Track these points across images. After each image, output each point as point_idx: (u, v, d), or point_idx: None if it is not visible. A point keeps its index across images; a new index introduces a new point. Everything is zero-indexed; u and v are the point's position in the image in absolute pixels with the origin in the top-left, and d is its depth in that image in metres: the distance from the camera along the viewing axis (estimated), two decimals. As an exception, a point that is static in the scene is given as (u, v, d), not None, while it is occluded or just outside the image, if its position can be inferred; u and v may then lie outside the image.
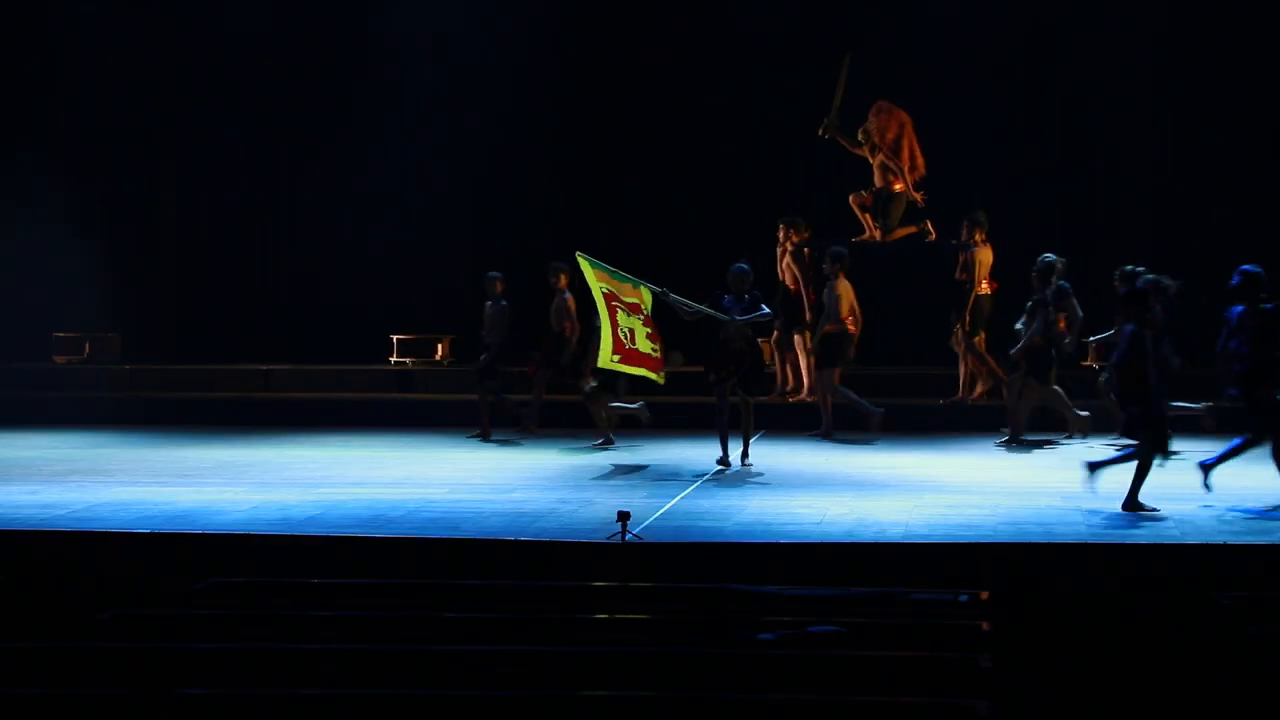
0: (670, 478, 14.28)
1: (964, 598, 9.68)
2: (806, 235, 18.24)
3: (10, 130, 21.21)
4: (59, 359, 20.30)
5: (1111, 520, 12.05)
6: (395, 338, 20.13)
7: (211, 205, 21.88)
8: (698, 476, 14.39)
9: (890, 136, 19.07)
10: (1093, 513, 12.28)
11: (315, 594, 10.07)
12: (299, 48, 21.66)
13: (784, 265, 18.19)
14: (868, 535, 11.43)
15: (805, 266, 17.97)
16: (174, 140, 22.00)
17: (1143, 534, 11.57)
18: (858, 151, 19.19)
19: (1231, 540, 11.22)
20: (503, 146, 21.54)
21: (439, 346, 20.59)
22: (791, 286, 18.01)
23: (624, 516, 11.16)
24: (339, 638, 8.72)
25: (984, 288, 17.78)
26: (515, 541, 11.28)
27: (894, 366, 18.81)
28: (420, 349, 20.39)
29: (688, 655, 8.27)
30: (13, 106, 21.33)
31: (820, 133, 19.06)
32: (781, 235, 18.18)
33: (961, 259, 17.88)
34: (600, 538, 11.26)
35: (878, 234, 19.30)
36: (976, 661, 8.05)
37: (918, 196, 19.09)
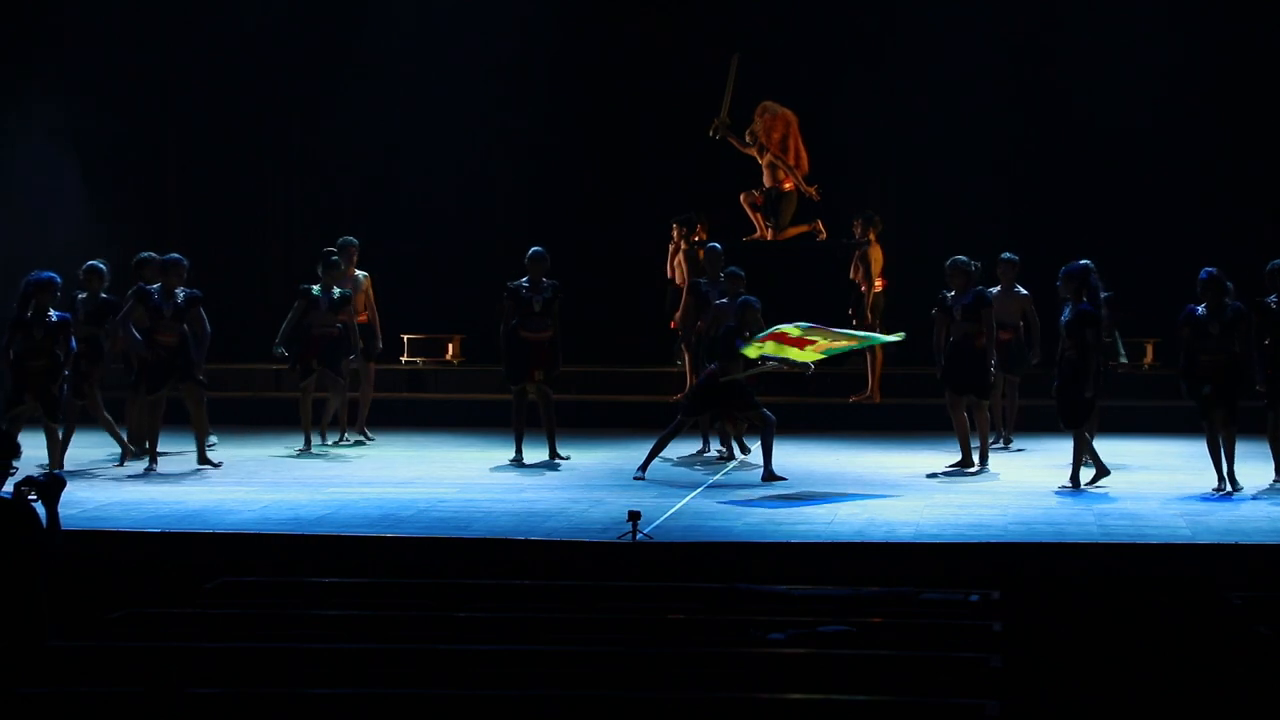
0: (680, 478, 14.27)
1: (975, 597, 9.67)
2: (702, 235, 18.39)
3: (16, 134, 21.22)
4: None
5: (1122, 520, 12.03)
6: (405, 337, 20.13)
7: (219, 204, 21.88)
8: (708, 476, 14.38)
9: (776, 136, 19.21)
10: (1103, 513, 12.27)
11: (325, 593, 10.07)
12: (303, 45, 21.64)
13: (674, 264, 18.31)
14: (878, 535, 11.42)
15: (696, 266, 18.05)
16: (179, 141, 22.01)
17: (1154, 533, 11.55)
18: (748, 151, 19.31)
19: (1243, 540, 11.20)
20: (510, 144, 21.59)
21: (450, 346, 20.57)
22: (680, 285, 18.06)
23: (634, 516, 11.15)
24: (349, 637, 8.72)
25: (878, 286, 18.09)
26: (526, 541, 11.28)
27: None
28: (431, 348, 20.39)
29: (698, 655, 8.26)
30: (19, 105, 21.33)
31: (710, 133, 19.18)
32: (676, 235, 18.29)
33: (856, 257, 18.09)
34: (611, 537, 11.26)
35: (769, 233, 19.38)
36: (987, 661, 8.05)
37: (811, 191, 19.18)
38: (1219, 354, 12.92)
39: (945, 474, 14.26)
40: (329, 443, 16.45)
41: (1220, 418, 12.97)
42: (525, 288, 14.96)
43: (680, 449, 15.28)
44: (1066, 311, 13.40)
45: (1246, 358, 13.03)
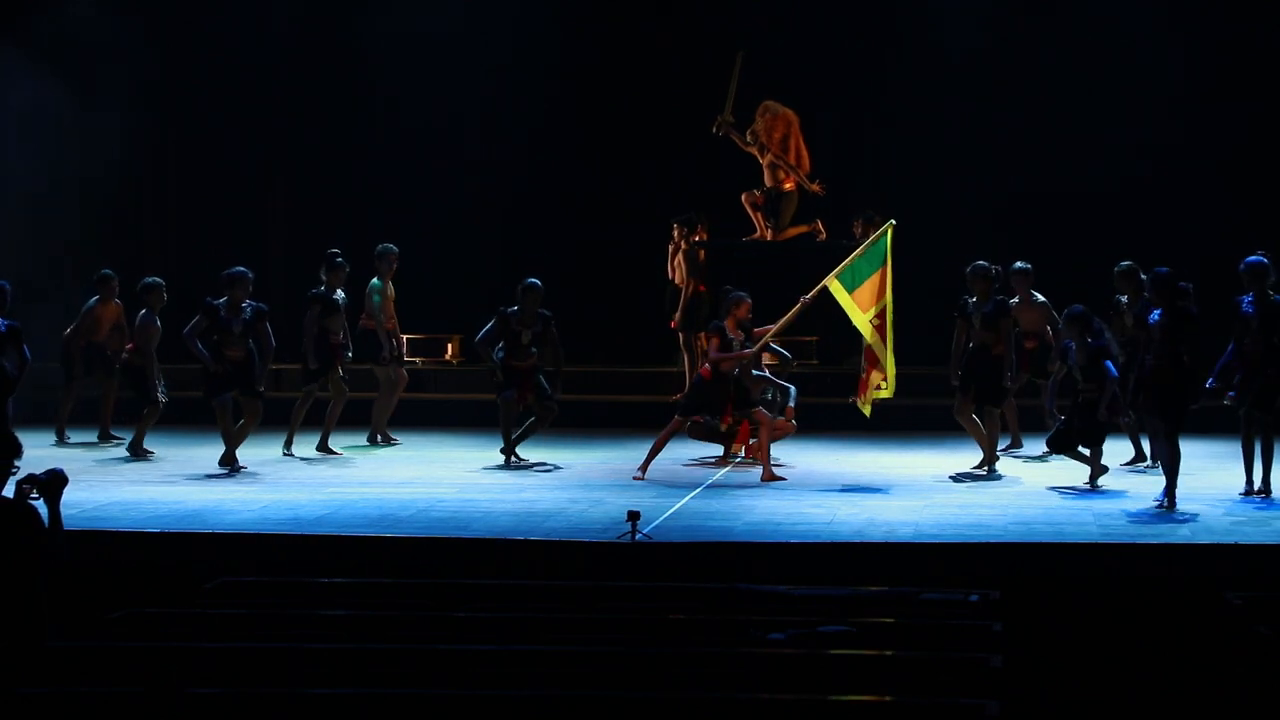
0: (680, 478, 14.26)
1: (974, 598, 9.67)
2: (702, 235, 18.35)
3: (18, 128, 21.21)
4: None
5: (1122, 520, 12.03)
6: (404, 337, 20.10)
7: (218, 205, 21.87)
8: (708, 476, 14.38)
9: (778, 136, 19.19)
10: (1103, 513, 12.27)
11: (324, 593, 10.08)
12: (303, 45, 21.65)
13: (674, 264, 18.29)
14: (878, 535, 11.42)
15: (696, 266, 18.02)
16: (179, 142, 22.01)
17: (1153, 534, 11.55)
18: (749, 150, 19.31)
19: (1242, 540, 11.20)
20: (510, 145, 21.59)
21: (449, 346, 20.57)
22: (680, 285, 18.03)
23: (634, 516, 11.15)
24: (348, 637, 8.73)
25: None
26: (525, 541, 11.28)
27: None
28: (430, 348, 20.38)
29: (698, 655, 8.26)
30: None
31: (714, 130, 19.18)
32: (676, 235, 18.27)
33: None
34: (610, 537, 11.26)
35: (769, 233, 19.38)
36: (987, 661, 8.05)
37: (815, 188, 19.15)
38: (1161, 359, 12.42)
39: (973, 476, 14.24)
40: (378, 442, 16.82)
41: (1153, 427, 12.75)
42: (515, 318, 14.90)
43: (681, 449, 15.29)
44: (1073, 354, 13.31)
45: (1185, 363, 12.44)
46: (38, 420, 16.81)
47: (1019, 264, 15.38)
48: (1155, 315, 12.50)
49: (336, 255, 16.13)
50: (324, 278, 16.03)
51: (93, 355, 17.00)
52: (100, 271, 17.19)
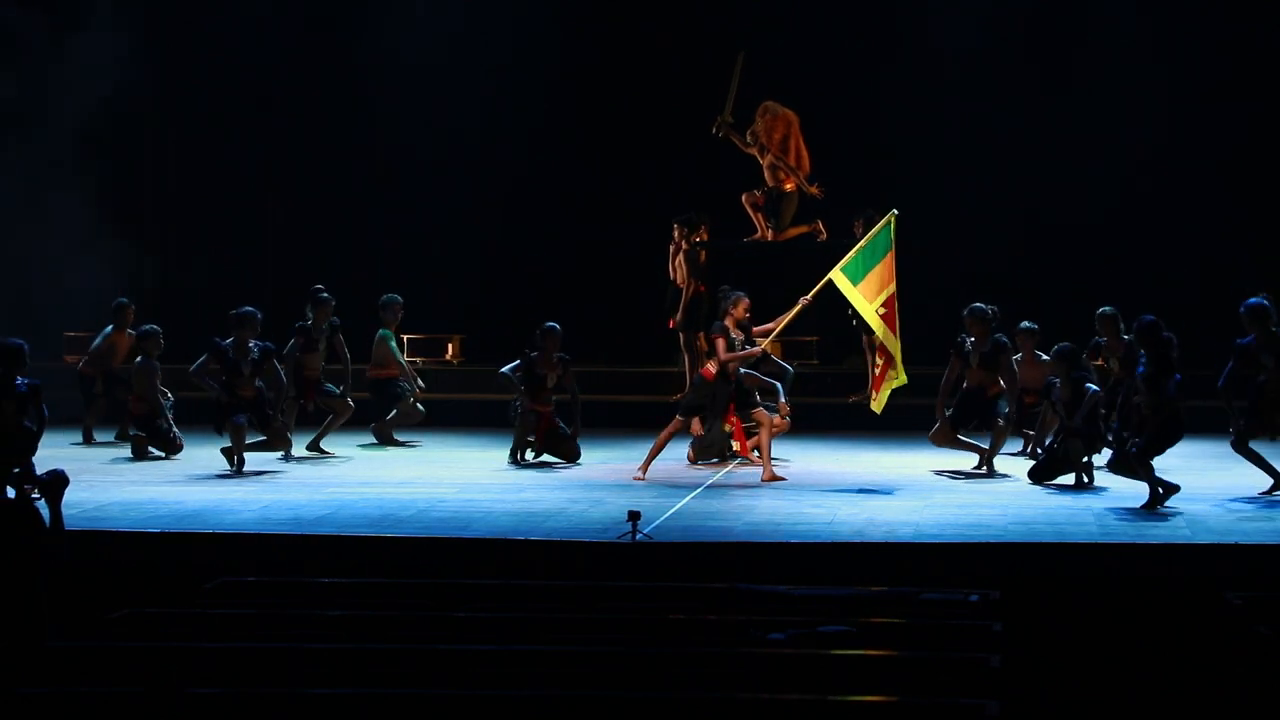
0: (680, 478, 14.27)
1: (974, 598, 9.68)
2: (704, 235, 18.34)
3: (20, 126, 21.18)
4: (70, 359, 20.28)
5: (1122, 520, 12.04)
6: (405, 336, 20.13)
7: (220, 208, 21.88)
8: (708, 476, 14.38)
9: (777, 136, 19.15)
10: (1103, 513, 12.27)
11: (325, 593, 10.08)
12: (303, 45, 21.65)
13: (675, 264, 18.28)
14: (878, 535, 11.42)
15: (697, 266, 18.01)
16: (177, 140, 22.02)
17: (1153, 534, 11.55)
18: (749, 151, 19.32)
19: (1243, 540, 11.20)
20: (510, 144, 21.59)
21: (449, 346, 20.57)
22: (681, 285, 18.04)
23: (634, 516, 11.16)
24: (349, 637, 8.73)
25: None
26: (526, 541, 11.28)
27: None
28: (431, 348, 20.39)
29: (698, 655, 8.27)
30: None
31: (714, 130, 19.19)
32: (677, 235, 18.25)
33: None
34: (610, 537, 11.26)
35: (770, 234, 19.38)
36: (987, 661, 8.05)
37: (814, 190, 19.15)
38: (1147, 409, 12.38)
39: (972, 475, 14.29)
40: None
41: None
42: (538, 361, 15.04)
43: (681, 450, 15.28)
44: (1056, 391, 13.39)
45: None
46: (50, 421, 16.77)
47: (1024, 324, 15.36)
48: (1141, 367, 12.49)
49: (321, 291, 16.27)
50: (310, 314, 16.13)
51: (111, 381, 17.21)
52: (116, 300, 17.46)
